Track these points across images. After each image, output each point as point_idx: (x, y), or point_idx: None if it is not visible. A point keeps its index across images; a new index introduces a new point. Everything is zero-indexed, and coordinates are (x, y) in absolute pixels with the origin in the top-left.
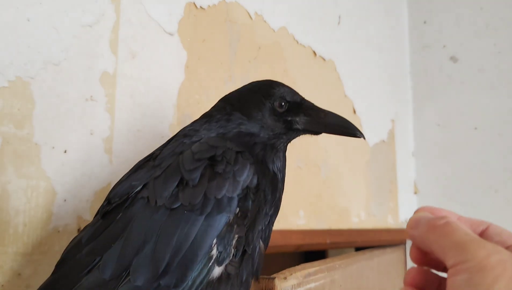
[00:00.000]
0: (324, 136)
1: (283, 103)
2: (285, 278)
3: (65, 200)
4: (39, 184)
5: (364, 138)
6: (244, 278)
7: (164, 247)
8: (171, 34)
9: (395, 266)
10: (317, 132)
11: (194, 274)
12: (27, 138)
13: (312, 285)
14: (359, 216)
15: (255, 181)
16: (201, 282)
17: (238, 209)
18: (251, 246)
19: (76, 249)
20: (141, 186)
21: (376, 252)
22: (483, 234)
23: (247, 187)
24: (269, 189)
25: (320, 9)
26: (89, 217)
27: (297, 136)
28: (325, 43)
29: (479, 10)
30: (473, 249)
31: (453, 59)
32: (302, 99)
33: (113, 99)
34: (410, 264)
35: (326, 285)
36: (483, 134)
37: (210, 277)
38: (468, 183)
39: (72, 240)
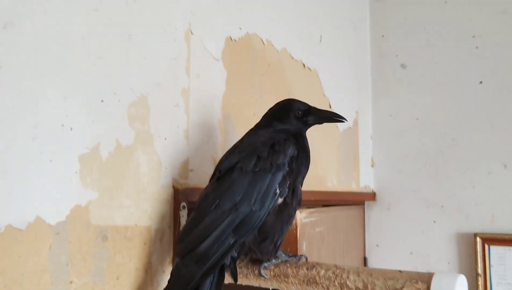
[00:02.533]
0: (312, 127)
1: (300, 112)
2: (300, 212)
3: (166, 168)
4: (153, 159)
5: (347, 121)
6: (294, 205)
7: (253, 191)
8: (217, 60)
9: (357, 218)
10: (320, 123)
11: (268, 203)
12: (147, 130)
13: (313, 218)
14: (333, 182)
15: (295, 153)
16: (273, 207)
17: (288, 169)
18: (296, 188)
19: (205, 196)
20: (236, 162)
21: (344, 207)
22: None
23: (292, 156)
24: (304, 158)
25: (307, 32)
26: (178, 178)
27: (310, 126)
28: (310, 57)
29: (423, 30)
30: None
31: (403, 66)
32: (309, 106)
33: (188, 105)
34: (368, 218)
35: (318, 220)
36: (422, 123)
37: (276, 204)
38: (411, 159)
39: (202, 193)
